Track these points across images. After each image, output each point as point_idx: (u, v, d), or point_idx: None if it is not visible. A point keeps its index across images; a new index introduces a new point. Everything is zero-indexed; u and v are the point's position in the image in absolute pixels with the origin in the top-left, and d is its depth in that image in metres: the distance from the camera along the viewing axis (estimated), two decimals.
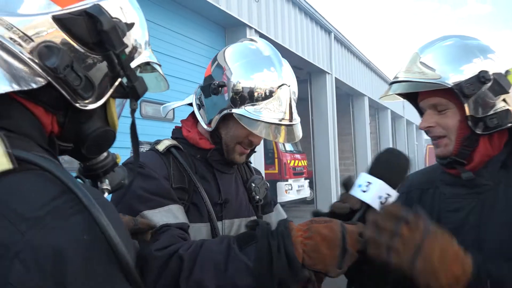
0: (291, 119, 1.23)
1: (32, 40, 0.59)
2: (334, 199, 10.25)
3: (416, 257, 0.87)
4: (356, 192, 0.99)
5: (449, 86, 1.06)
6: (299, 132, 1.28)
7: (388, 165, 1.03)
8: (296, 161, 12.28)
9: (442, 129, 1.11)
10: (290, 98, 1.25)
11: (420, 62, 1.12)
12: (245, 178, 1.40)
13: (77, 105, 0.63)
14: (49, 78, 0.59)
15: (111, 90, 0.67)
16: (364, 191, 0.98)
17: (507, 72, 1.10)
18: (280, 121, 1.21)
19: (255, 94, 1.21)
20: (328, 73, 10.48)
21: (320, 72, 10.30)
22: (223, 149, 1.26)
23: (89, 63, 0.64)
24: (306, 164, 12.55)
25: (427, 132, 1.16)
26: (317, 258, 0.92)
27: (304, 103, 11.04)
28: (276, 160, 11.73)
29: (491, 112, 1.08)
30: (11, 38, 0.58)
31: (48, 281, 0.46)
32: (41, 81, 0.59)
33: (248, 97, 1.21)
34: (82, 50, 0.63)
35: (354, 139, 14.14)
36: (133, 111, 0.73)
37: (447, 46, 1.13)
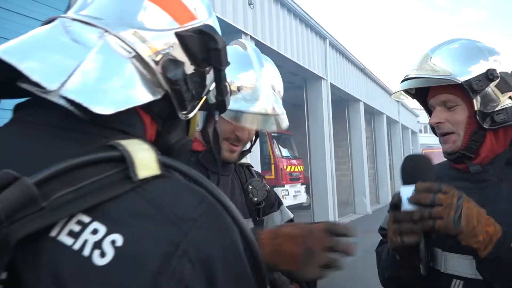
0: (273, 109, 1.26)
1: (160, 53, 0.63)
2: (330, 204, 10.27)
3: (459, 218, 0.96)
4: (408, 206, 1.02)
5: (460, 82, 1.12)
6: (283, 122, 1.30)
7: (418, 170, 1.07)
8: (293, 167, 12.31)
9: (451, 125, 1.17)
10: (270, 89, 1.28)
11: (432, 61, 1.19)
12: (244, 181, 1.41)
13: (182, 116, 0.67)
14: (167, 89, 0.63)
15: (201, 102, 0.71)
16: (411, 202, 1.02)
17: None
18: (264, 111, 1.25)
19: (236, 89, 1.24)
20: (324, 79, 10.54)
21: (315, 78, 10.36)
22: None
23: (194, 77, 0.68)
24: (302, 169, 12.58)
25: (436, 129, 1.21)
26: (279, 258, 0.90)
27: (300, 109, 11.08)
28: (272, 165, 11.77)
29: (498, 108, 1.14)
30: (145, 51, 0.62)
31: (204, 281, 0.50)
32: (161, 92, 0.63)
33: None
34: (192, 65, 0.67)
35: (350, 144, 14.18)
36: (215, 122, 0.79)
37: (456, 47, 1.21)
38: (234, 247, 0.55)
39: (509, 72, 1.17)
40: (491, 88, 1.14)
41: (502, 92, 1.15)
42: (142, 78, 0.61)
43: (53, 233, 0.48)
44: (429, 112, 1.26)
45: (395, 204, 1.06)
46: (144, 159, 0.54)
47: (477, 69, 1.14)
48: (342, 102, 13.48)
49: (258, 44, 7.45)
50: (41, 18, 3.94)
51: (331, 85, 10.92)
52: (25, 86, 0.54)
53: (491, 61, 1.16)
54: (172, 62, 0.64)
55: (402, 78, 1.25)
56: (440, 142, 1.23)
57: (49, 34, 0.59)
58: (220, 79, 0.72)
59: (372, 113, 16.62)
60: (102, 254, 0.47)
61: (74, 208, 0.48)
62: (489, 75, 1.13)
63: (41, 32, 0.59)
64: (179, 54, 0.66)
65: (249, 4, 7.12)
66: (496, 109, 1.14)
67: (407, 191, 1.02)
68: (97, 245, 0.48)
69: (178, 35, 0.66)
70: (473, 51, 1.18)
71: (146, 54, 0.62)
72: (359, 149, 14.03)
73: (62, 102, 0.52)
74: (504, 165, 1.16)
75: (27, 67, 0.52)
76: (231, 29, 6.70)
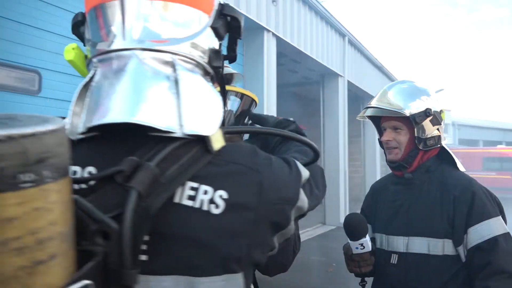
0: None
1: (206, 50, 0.77)
2: (342, 199, 10.43)
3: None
4: (356, 251, 1.62)
5: (407, 115, 1.60)
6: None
7: (355, 230, 1.58)
8: None
9: (396, 143, 1.65)
10: None
11: (388, 96, 1.68)
12: None
13: (216, 86, 0.81)
14: (211, 73, 0.79)
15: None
16: (357, 248, 1.60)
17: (441, 111, 1.67)
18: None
19: None
20: (341, 76, 10.65)
21: (333, 75, 10.47)
22: None
23: (222, 50, 0.82)
24: None
25: (385, 144, 1.68)
26: None
27: (315, 105, 11.22)
28: None
29: (430, 136, 1.63)
30: (200, 56, 0.75)
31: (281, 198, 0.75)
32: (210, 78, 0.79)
33: None
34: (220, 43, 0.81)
35: (364, 141, 14.28)
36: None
37: (405, 87, 1.70)
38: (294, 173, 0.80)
39: (439, 110, 1.65)
40: (427, 121, 1.61)
41: (434, 125, 1.63)
42: (208, 82, 0.74)
43: (176, 200, 0.66)
44: (379, 130, 1.75)
45: (348, 249, 1.63)
46: (216, 135, 0.71)
47: (417, 106, 1.61)
48: (357, 99, 13.57)
49: (279, 40, 7.61)
50: (73, 10, 4.15)
51: (348, 82, 11.02)
52: (155, 134, 0.66)
53: (428, 101, 1.63)
54: (214, 53, 0.77)
55: (366, 105, 1.74)
56: (385, 153, 1.70)
57: (140, 77, 0.69)
58: (235, 42, 0.84)
59: None
60: (217, 206, 0.67)
61: (183, 179, 0.65)
62: (427, 113, 1.60)
63: (133, 77, 0.69)
64: (215, 40, 0.78)
65: (273, 1, 7.27)
66: (428, 136, 1.62)
67: (354, 244, 1.59)
68: (211, 201, 0.67)
69: (213, 27, 0.77)
70: (415, 92, 1.66)
71: (202, 60, 0.75)
72: (373, 146, 14.11)
73: (183, 136, 0.67)
74: (424, 172, 1.64)
75: (156, 123, 0.65)
76: (254, 25, 6.86)
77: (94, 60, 0.73)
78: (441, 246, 1.52)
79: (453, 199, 1.54)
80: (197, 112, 0.70)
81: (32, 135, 0.47)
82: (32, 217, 0.47)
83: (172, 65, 0.71)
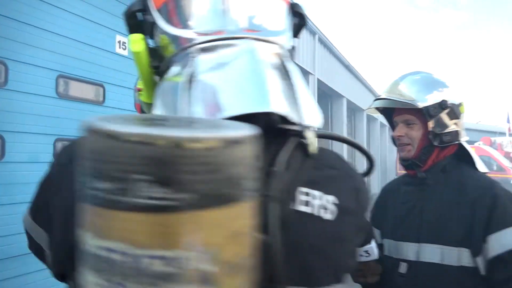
0: None
1: (290, 45, 0.76)
2: None
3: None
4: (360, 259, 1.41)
5: (420, 107, 1.43)
6: None
7: None
8: None
9: (409, 138, 1.49)
10: None
11: (400, 87, 1.52)
12: None
13: None
14: None
15: None
16: (361, 255, 1.35)
17: (460, 104, 1.49)
18: None
19: None
20: (311, 74, 10.74)
21: (303, 73, 10.52)
22: None
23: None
24: None
25: (397, 140, 1.53)
26: None
27: None
28: None
29: (446, 131, 1.45)
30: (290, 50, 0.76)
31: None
32: None
33: None
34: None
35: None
36: None
37: (418, 78, 1.54)
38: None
39: (457, 103, 1.48)
40: (443, 115, 1.44)
41: (451, 119, 1.45)
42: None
43: (291, 206, 0.63)
44: (392, 126, 1.59)
45: None
46: (312, 139, 0.68)
47: (433, 98, 1.45)
48: (326, 97, 13.76)
49: None
50: (72, 10, 3.96)
51: (317, 80, 11.13)
52: (286, 126, 0.65)
53: (445, 93, 1.47)
54: (293, 49, 0.78)
55: (375, 98, 1.58)
56: (398, 151, 1.54)
57: (259, 67, 0.65)
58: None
59: (353, 109, 16.97)
60: (328, 212, 0.65)
61: (298, 184, 0.64)
62: (443, 105, 1.43)
63: (252, 67, 0.65)
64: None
65: None
66: (444, 131, 1.44)
67: (358, 251, 1.46)
68: (323, 206, 0.65)
69: (295, 24, 0.78)
70: (431, 83, 1.50)
71: (290, 51, 0.76)
72: (340, 144, 14.35)
73: (299, 128, 0.66)
74: (439, 171, 1.47)
75: (286, 113, 0.63)
76: None
77: (192, 49, 0.67)
78: (456, 256, 1.33)
79: (472, 203, 1.35)
80: (308, 104, 0.68)
81: (252, 138, 0.41)
82: (252, 232, 0.42)
83: (279, 56, 0.70)
